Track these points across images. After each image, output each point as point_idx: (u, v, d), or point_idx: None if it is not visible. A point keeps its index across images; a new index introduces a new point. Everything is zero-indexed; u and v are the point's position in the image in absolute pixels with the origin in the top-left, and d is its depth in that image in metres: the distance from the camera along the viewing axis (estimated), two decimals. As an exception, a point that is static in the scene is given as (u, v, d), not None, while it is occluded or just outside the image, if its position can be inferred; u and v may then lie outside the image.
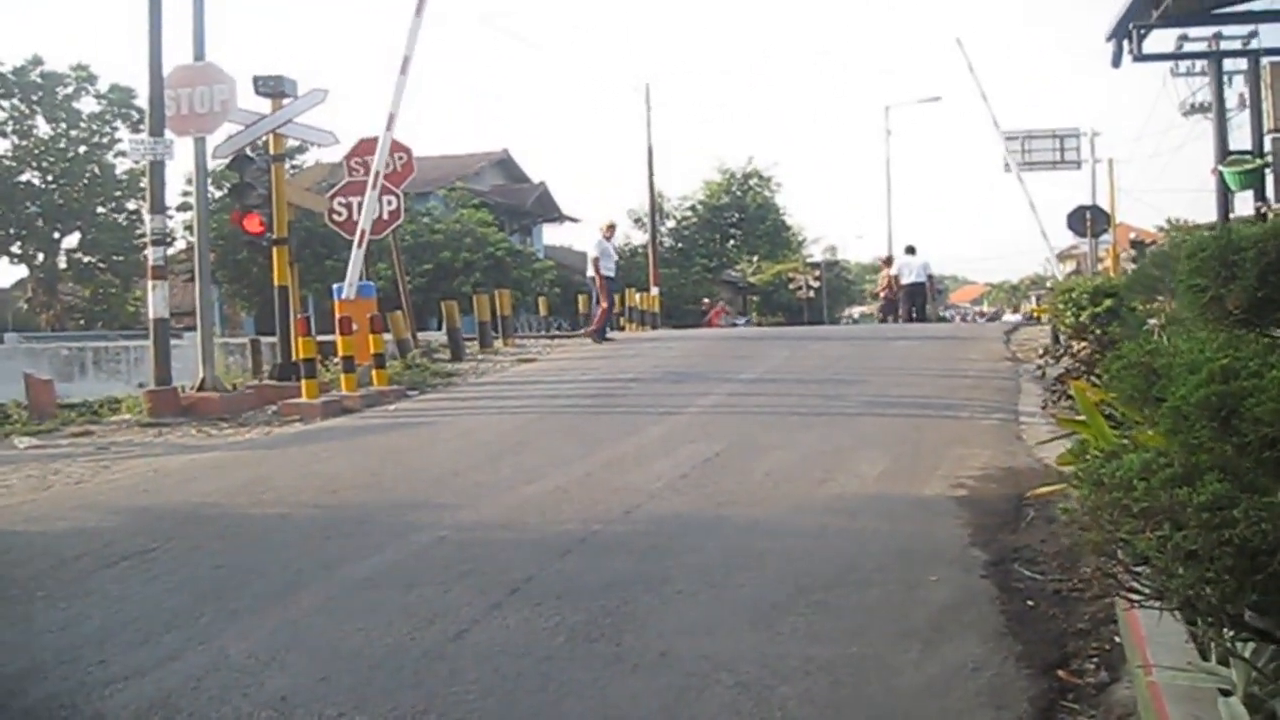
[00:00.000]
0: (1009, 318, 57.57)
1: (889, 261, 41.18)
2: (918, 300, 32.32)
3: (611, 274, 24.64)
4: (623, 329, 30.98)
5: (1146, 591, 3.07)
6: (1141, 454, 3.08)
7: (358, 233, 17.34)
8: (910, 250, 33.35)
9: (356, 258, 17.15)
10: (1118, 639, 4.99)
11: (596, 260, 24.32)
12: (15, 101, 54.85)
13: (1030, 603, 5.72)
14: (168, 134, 15.53)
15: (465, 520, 8.00)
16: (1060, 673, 4.80)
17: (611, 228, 26.01)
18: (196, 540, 7.78)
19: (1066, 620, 5.42)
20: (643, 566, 6.59)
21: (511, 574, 6.47)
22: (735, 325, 38.12)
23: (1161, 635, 4.09)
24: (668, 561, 6.69)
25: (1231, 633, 3.23)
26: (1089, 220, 30.18)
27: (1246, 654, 3.52)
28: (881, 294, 38.79)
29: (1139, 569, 3.04)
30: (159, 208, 15.64)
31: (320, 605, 6.16)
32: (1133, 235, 40.36)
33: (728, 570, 6.48)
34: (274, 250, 17.36)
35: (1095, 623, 5.30)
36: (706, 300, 47.13)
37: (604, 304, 23.90)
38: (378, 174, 17.30)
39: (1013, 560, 6.48)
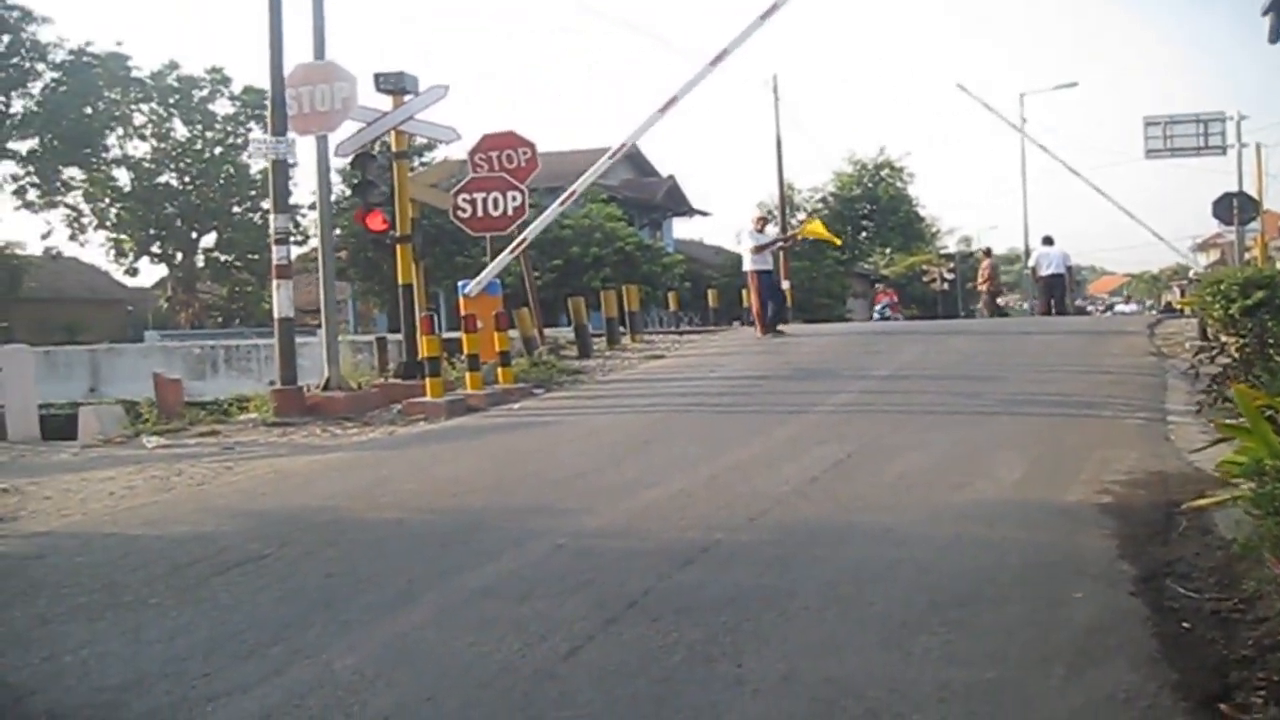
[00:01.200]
0: (1121, 308, 55.94)
1: (988, 253, 40.29)
2: (1056, 292, 31.27)
3: (768, 267, 23.63)
4: (753, 323, 30.61)
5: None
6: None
7: (516, 240, 17.37)
8: (1048, 240, 32.33)
9: (501, 259, 17.11)
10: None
11: (754, 250, 23.09)
12: (154, 105, 56.21)
13: (1186, 624, 5.28)
14: (290, 133, 15.53)
15: (585, 527, 7.76)
16: (1223, 707, 4.38)
17: (763, 220, 25.07)
18: (310, 546, 7.64)
19: (1227, 646, 4.98)
20: (767, 579, 6.28)
21: (629, 586, 6.20)
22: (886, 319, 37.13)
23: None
24: (793, 573, 6.38)
25: None
26: (1236, 208, 29.11)
27: None
28: (981, 287, 37.98)
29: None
30: (283, 207, 15.65)
31: (432, 618, 5.95)
32: (1282, 222, 38.94)
33: (857, 583, 6.14)
34: (397, 248, 17.32)
35: (1260, 649, 4.85)
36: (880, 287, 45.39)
37: (756, 300, 23.05)
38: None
39: (1165, 576, 6.02)
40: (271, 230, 15.57)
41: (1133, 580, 6.01)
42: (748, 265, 23.14)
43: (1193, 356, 13.78)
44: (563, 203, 18.89)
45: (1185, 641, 5.08)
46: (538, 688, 4.88)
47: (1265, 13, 12.07)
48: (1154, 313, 42.21)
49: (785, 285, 32.62)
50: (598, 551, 7.08)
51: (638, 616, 5.70)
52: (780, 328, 23.30)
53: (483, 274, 17.05)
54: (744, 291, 29.64)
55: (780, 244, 24.42)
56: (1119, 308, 54.07)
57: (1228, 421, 7.62)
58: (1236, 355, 10.85)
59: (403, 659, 5.35)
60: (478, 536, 7.64)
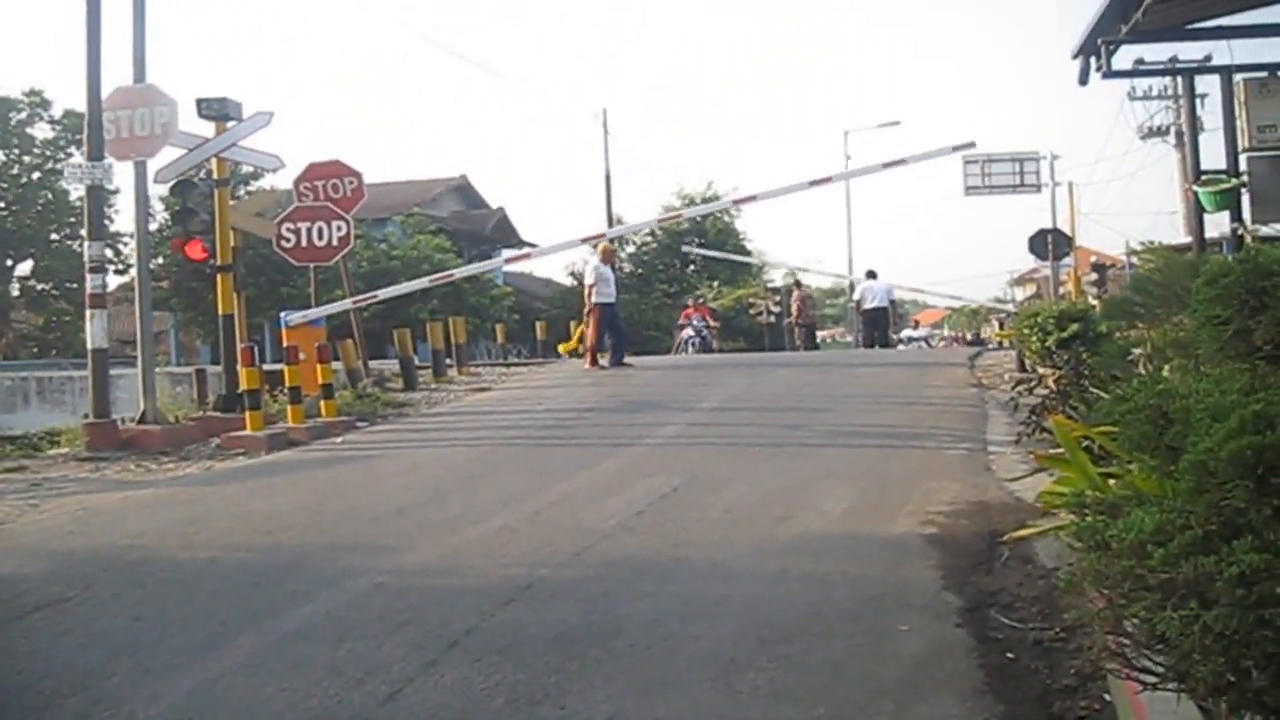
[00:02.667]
0: (908, 332, 57.06)
1: (798, 284, 40.85)
2: (880, 325, 31.93)
3: (610, 300, 22.99)
4: (581, 355, 30.56)
5: (1161, 673, 2.65)
6: (1153, 513, 2.64)
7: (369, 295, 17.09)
8: (871, 274, 32.97)
9: (344, 304, 16.85)
10: (1108, 697, 4.59)
11: (592, 287, 22.74)
12: (-32, 128, 54.15)
13: (1010, 655, 5.32)
14: (108, 158, 15.03)
15: (405, 564, 7.55)
16: (1048, 737, 4.39)
17: (609, 251, 24.49)
18: (117, 588, 7.28)
19: (1050, 675, 5.02)
20: (592, 616, 6.17)
21: (451, 625, 6.04)
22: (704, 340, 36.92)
23: (1161, 701, 3.67)
24: (619, 610, 6.27)
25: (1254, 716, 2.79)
26: (1051, 244, 30.00)
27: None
28: (793, 319, 38.41)
29: (1153, 647, 2.61)
30: (98, 234, 15.13)
31: (243, 662, 5.70)
32: (1094, 259, 40.30)
33: (683, 620, 6.06)
34: (218, 277, 16.87)
35: (1083, 678, 4.90)
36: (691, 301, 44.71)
37: (592, 331, 22.65)
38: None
39: (989, 606, 6.08)
40: (86, 258, 15.01)
41: (958, 611, 6.06)
42: (594, 298, 22.80)
43: (1012, 389, 14.07)
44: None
45: (1010, 672, 5.12)
46: (354, 734, 4.71)
47: (1074, 56, 12.45)
48: (943, 344, 43.34)
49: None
50: (418, 590, 6.89)
51: (459, 657, 5.54)
52: (626, 360, 23.12)
53: (313, 311, 16.72)
54: (573, 324, 29.61)
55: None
56: (905, 332, 54.87)
57: (1046, 453, 7.73)
58: (1054, 387, 11.10)
59: (210, 707, 5.12)
60: (294, 576, 7.38)
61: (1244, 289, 2.92)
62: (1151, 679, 2.75)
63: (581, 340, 24.43)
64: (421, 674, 5.33)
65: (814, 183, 20.64)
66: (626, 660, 5.47)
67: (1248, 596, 2.31)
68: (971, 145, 21.51)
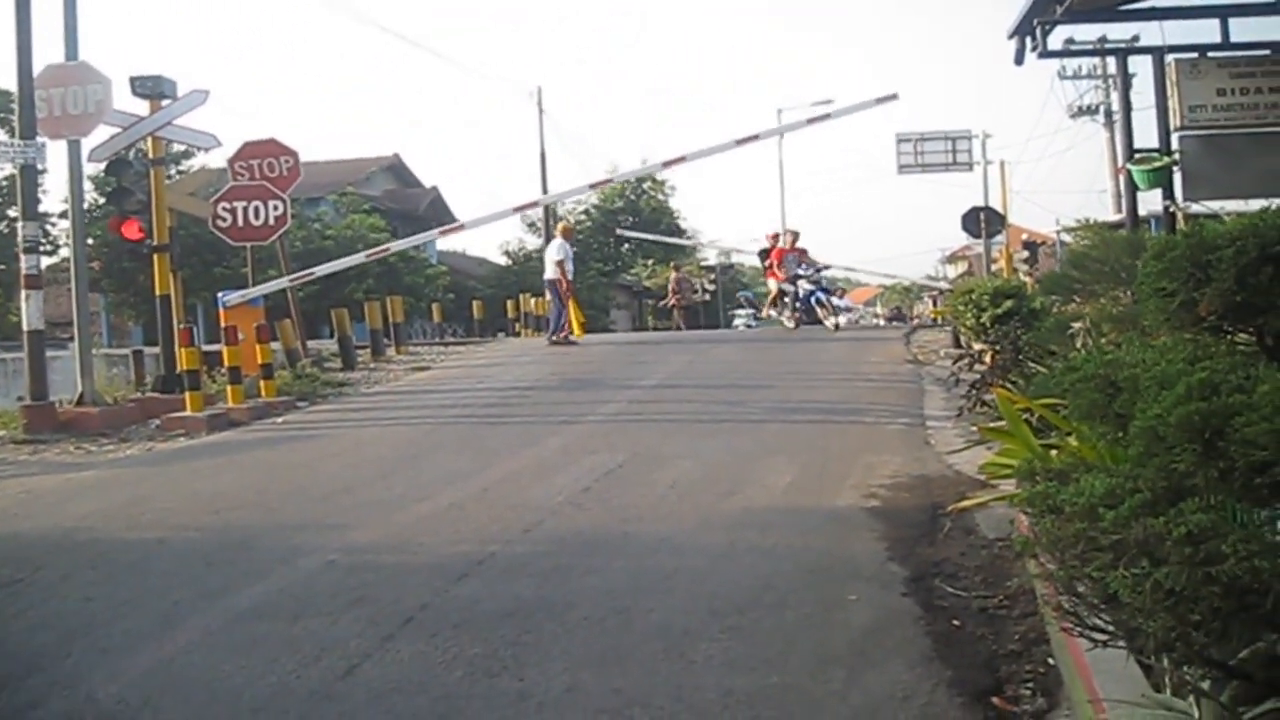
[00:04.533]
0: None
1: (676, 267, 40.97)
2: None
3: (571, 276, 23.26)
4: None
5: (1112, 631, 2.77)
6: (1103, 477, 2.75)
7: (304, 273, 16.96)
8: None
9: (280, 283, 16.75)
10: (1052, 660, 4.73)
11: (561, 263, 22.80)
12: (-111, 106, 53.07)
13: (956, 622, 5.45)
14: (40, 137, 14.86)
15: (356, 542, 7.59)
16: (995, 700, 4.53)
17: (570, 229, 24.98)
18: (67, 570, 7.28)
19: (996, 641, 5.16)
20: (545, 591, 6.25)
21: (405, 602, 6.09)
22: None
23: (1104, 661, 3.81)
24: (571, 584, 6.36)
25: (1205, 669, 2.92)
26: (984, 221, 30.29)
27: (1206, 686, 3.24)
28: (671, 301, 38.46)
29: (1104, 606, 2.73)
30: (32, 214, 14.87)
31: (198, 640, 5.73)
32: (1025, 236, 40.72)
33: (635, 593, 6.15)
34: (154, 257, 16.73)
35: (1027, 643, 5.04)
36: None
37: (570, 307, 22.71)
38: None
39: (934, 576, 6.22)
40: (20, 239, 14.82)
41: (904, 581, 6.19)
42: (552, 274, 22.91)
43: (952, 364, 14.26)
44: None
45: (957, 639, 5.25)
46: (315, 709, 4.76)
47: (1010, 36, 12.61)
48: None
49: (550, 296, 32.53)
50: (371, 567, 6.94)
51: (415, 632, 5.60)
52: (572, 337, 23.09)
53: (251, 291, 16.62)
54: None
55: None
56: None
57: (989, 425, 7.89)
58: (990, 362, 11.28)
59: (169, 685, 5.14)
60: (245, 555, 7.40)
61: (1189, 262, 3.03)
62: (1101, 637, 2.87)
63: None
64: (378, 649, 5.38)
65: (740, 141, 20.67)
66: (582, 633, 5.55)
67: (1195, 554, 2.42)
68: (894, 98, 21.59)
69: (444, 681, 4.95)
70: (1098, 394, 3.11)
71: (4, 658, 5.60)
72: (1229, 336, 3.13)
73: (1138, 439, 2.74)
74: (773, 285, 25.55)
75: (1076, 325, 8.16)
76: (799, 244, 24.53)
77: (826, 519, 7.73)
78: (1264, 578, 2.37)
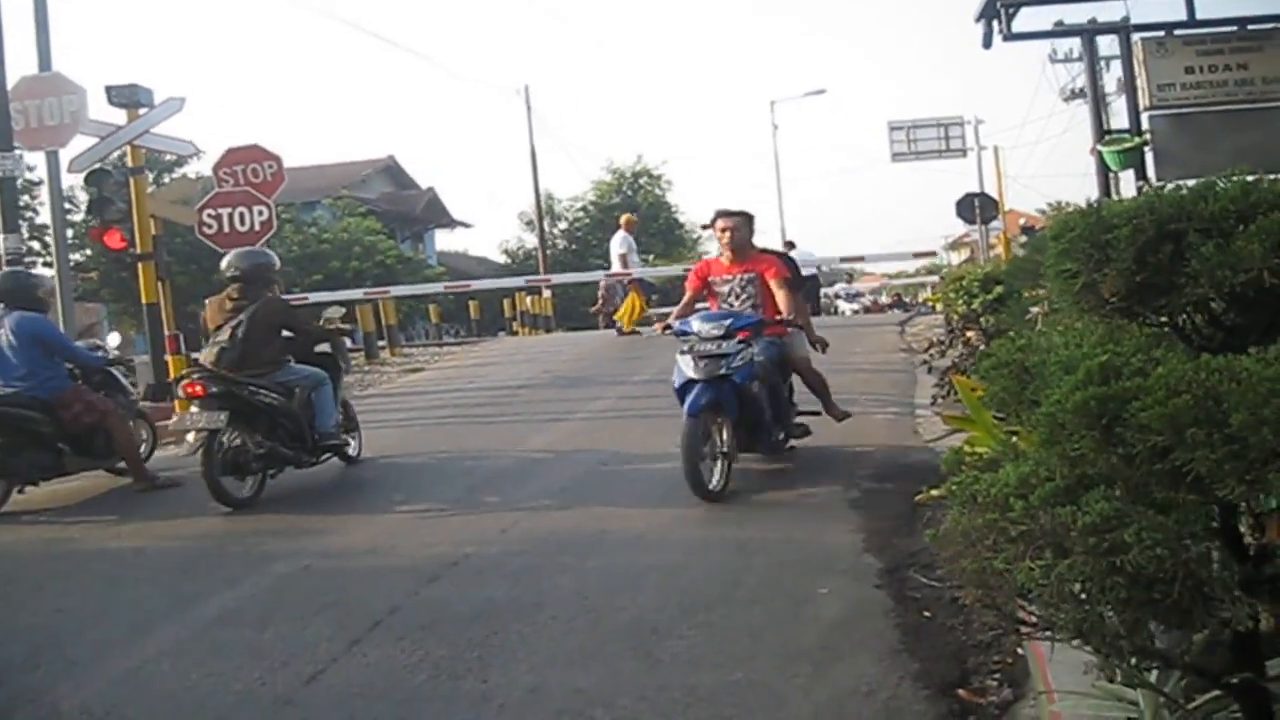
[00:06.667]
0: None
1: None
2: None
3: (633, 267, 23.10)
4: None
5: (1035, 622, 2.73)
6: (1020, 466, 2.72)
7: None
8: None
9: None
10: (1021, 652, 4.69)
11: (625, 256, 22.79)
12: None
13: (927, 614, 5.41)
14: (17, 148, 14.85)
15: (332, 546, 7.58)
16: (961, 692, 4.50)
17: (632, 221, 24.46)
18: (41, 580, 7.28)
19: (966, 632, 5.11)
20: (515, 591, 6.23)
21: (375, 605, 6.07)
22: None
23: (1063, 651, 3.77)
24: (543, 584, 6.33)
25: (1134, 659, 2.87)
26: (978, 207, 30.18)
27: (1152, 678, 3.20)
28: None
29: (1025, 597, 2.69)
30: (12, 226, 14.80)
31: (167, 649, 5.71)
32: (1023, 221, 40.60)
33: (607, 592, 6.12)
34: (139, 266, 16.70)
35: (997, 634, 4.98)
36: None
37: (639, 298, 22.43)
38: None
39: (908, 567, 6.17)
40: (2, 251, 14.81)
41: (878, 573, 6.15)
42: (619, 267, 22.89)
43: (924, 351, 14.21)
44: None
45: (926, 631, 5.21)
46: (278, 715, 4.75)
47: (977, 20, 12.52)
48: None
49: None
50: (344, 571, 6.92)
51: (382, 636, 5.58)
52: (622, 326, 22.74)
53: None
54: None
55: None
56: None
57: (952, 414, 7.84)
58: (965, 349, 11.23)
59: (135, 694, 5.13)
60: (220, 562, 7.39)
61: (1088, 242, 2.97)
62: (1025, 629, 2.83)
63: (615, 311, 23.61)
64: (345, 653, 5.37)
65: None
66: (549, 633, 5.52)
67: (1100, 544, 2.38)
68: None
69: (407, 685, 4.93)
70: (1011, 380, 3.07)
71: (-30, 672, 5.57)
72: (1142, 319, 3.07)
73: (1039, 426, 2.70)
74: None
75: (1035, 310, 8.12)
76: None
77: (805, 511, 7.70)
78: (1168, 566, 2.33)
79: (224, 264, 10.23)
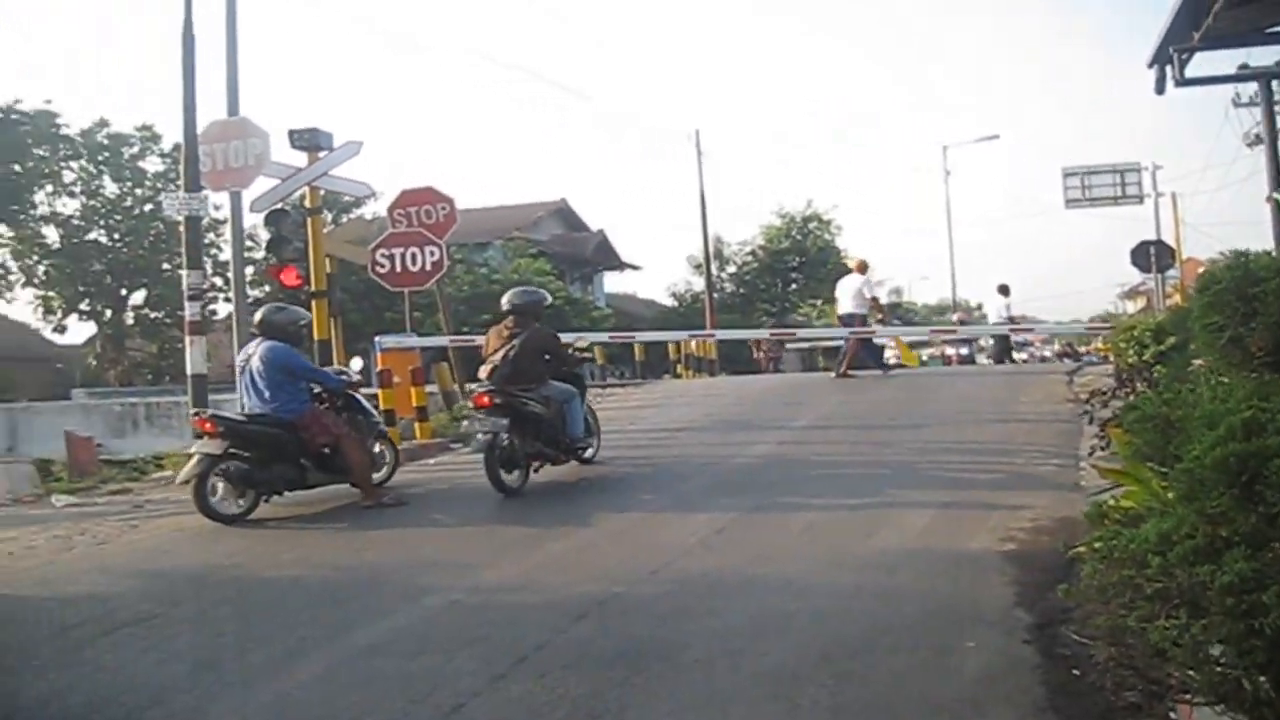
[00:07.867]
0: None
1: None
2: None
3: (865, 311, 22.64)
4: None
5: (1173, 683, 2.63)
6: (1162, 522, 2.62)
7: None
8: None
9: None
10: (1174, 716, 4.52)
11: (874, 299, 22.91)
12: (83, 162, 55.47)
13: (1076, 672, 5.23)
14: (204, 189, 15.39)
15: (484, 581, 7.67)
16: (1105, 754, 4.34)
17: (864, 264, 23.65)
18: (204, 605, 7.52)
19: (1115, 693, 4.91)
20: (661, 632, 6.21)
21: (522, 641, 6.12)
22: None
23: (1212, 717, 3.63)
24: (688, 626, 6.31)
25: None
26: (1153, 255, 29.41)
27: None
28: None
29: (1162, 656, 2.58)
30: (196, 262, 15.38)
31: (318, 675, 5.84)
32: (1201, 270, 39.43)
33: (751, 635, 6.08)
34: (313, 303, 17.13)
35: (1147, 696, 4.79)
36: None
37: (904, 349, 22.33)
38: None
39: (1060, 623, 5.98)
40: (185, 287, 15.32)
41: (1027, 628, 5.99)
42: (852, 308, 22.38)
43: (1085, 402, 13.86)
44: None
45: (1074, 689, 5.04)
46: (417, 745, 4.79)
47: (1150, 65, 12.26)
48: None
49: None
50: (494, 606, 6.99)
51: (526, 672, 5.61)
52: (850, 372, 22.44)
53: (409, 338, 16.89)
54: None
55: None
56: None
57: (1109, 466, 7.63)
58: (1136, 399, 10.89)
59: (283, 718, 5.23)
60: (374, 592, 7.54)
61: (1235, 296, 2.87)
62: (1157, 688, 2.73)
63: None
64: (488, 688, 5.41)
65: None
66: (691, 675, 5.50)
67: (1238, 605, 2.27)
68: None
69: (545, 721, 4.95)
70: (1155, 434, 2.97)
71: (130, 690, 5.74)
72: (1294, 374, 2.95)
73: (1178, 481, 2.60)
74: None
75: (1198, 362, 7.85)
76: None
77: (958, 562, 7.54)
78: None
79: (504, 300, 12.44)
